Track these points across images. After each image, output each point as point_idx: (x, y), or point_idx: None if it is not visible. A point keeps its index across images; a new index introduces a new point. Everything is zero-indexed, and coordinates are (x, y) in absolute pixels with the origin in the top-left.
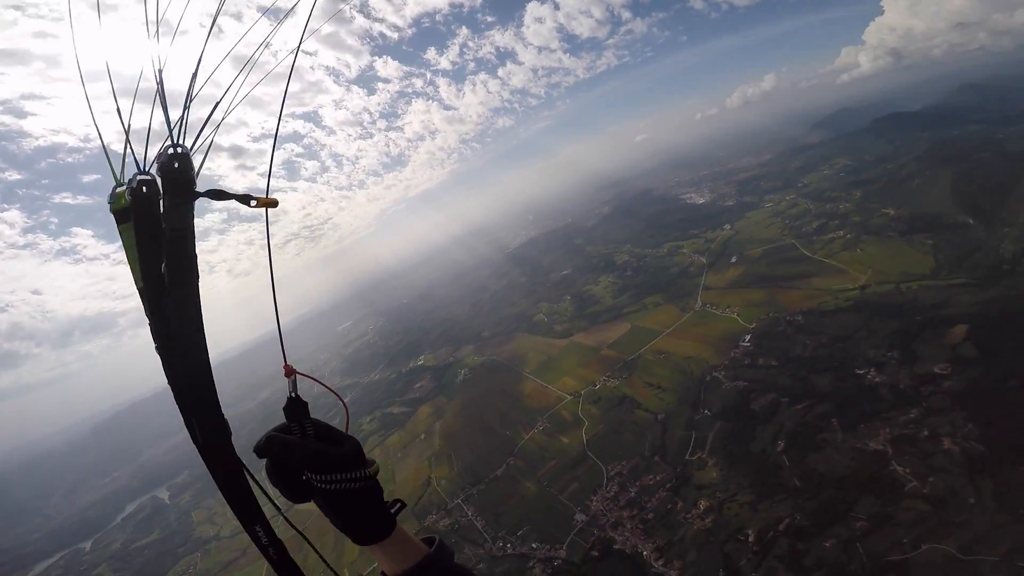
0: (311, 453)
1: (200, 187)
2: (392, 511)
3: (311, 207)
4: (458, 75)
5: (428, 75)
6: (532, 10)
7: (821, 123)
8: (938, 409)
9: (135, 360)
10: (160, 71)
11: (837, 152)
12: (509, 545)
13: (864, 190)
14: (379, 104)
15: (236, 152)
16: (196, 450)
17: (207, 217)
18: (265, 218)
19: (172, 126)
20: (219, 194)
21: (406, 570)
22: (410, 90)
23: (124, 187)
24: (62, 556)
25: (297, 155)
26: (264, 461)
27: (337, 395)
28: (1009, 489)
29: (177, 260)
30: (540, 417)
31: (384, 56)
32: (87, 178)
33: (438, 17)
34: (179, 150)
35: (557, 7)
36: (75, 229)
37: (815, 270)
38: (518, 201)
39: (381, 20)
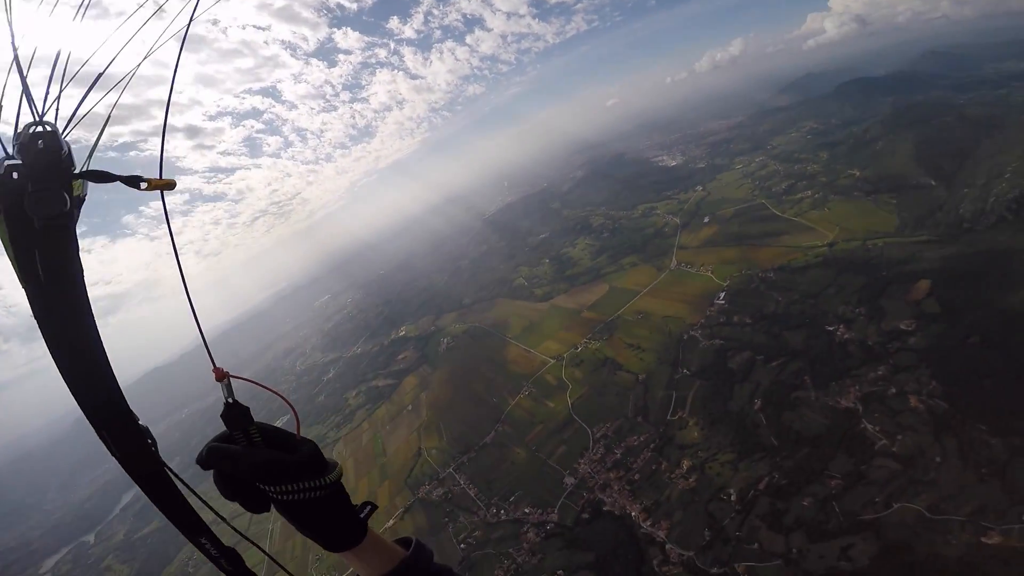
0: (259, 463)
1: (107, 173)
2: (362, 516)
3: (277, 183)
4: (424, 43)
5: (392, 45)
6: None
7: (788, 87)
8: (904, 366)
9: (111, 350)
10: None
11: (804, 116)
12: (503, 512)
13: (831, 152)
14: (341, 76)
15: (192, 132)
16: (185, 436)
17: (167, 198)
18: (162, 200)
19: (31, 99)
20: (101, 176)
21: (383, 575)
22: (373, 61)
23: None
24: (68, 551)
25: (258, 131)
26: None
27: (280, 396)
28: (972, 448)
29: (53, 252)
30: (525, 382)
31: (343, 27)
32: None
33: None
34: (45, 127)
35: None
36: None
37: (785, 228)
38: (493, 167)
39: None
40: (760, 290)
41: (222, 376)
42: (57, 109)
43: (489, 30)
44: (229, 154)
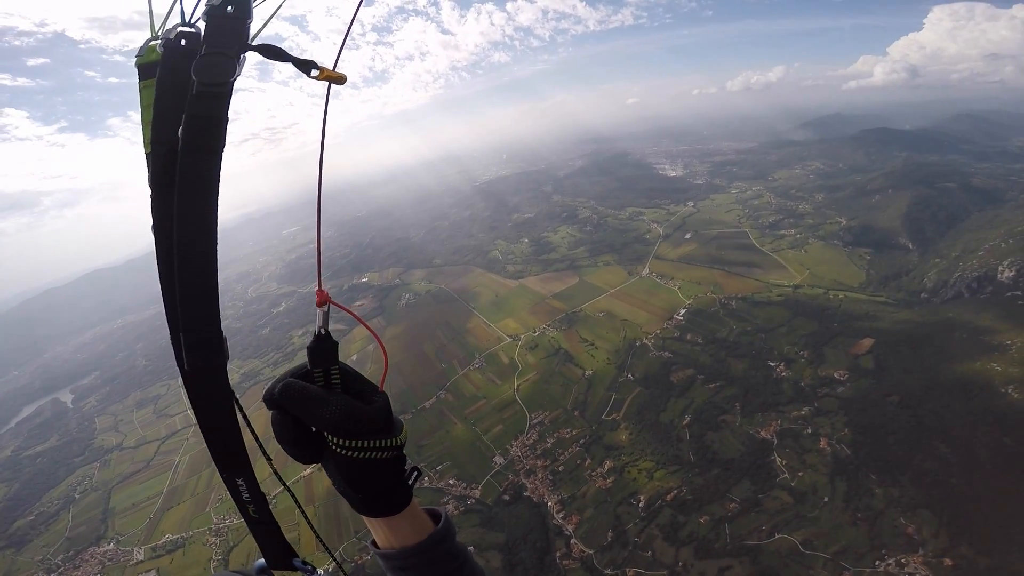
0: (339, 414)
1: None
2: (410, 482)
3: (277, 110)
4: (466, 0)
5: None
6: None
7: (811, 123)
8: (826, 411)
9: (56, 243)
10: None
11: (815, 154)
12: (427, 479)
13: (827, 195)
14: (374, 16)
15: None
16: (110, 349)
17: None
18: (326, 95)
19: None
20: (275, 52)
21: (407, 547)
22: (411, 7)
23: (158, 40)
24: None
25: None
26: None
27: (377, 338)
28: (857, 493)
29: (202, 121)
30: (478, 355)
31: None
32: (32, 62)
33: None
34: None
35: None
36: (7, 110)
37: (760, 261)
38: (497, 138)
39: None
40: (719, 315)
41: (323, 301)
42: None
43: (533, 2)
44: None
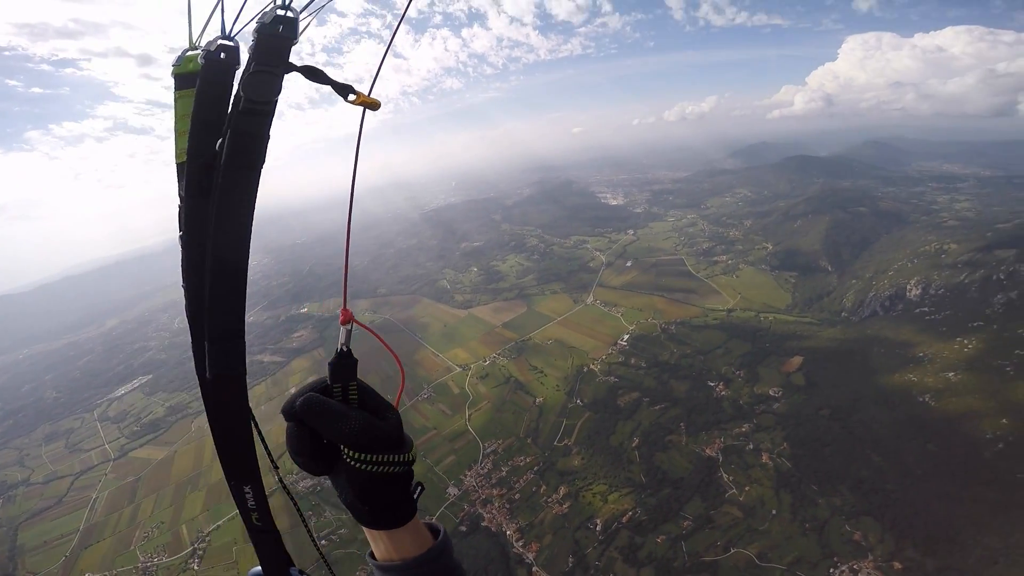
0: (358, 429)
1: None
2: (415, 496)
3: None
4: (420, 25)
5: (389, 18)
6: None
7: (740, 152)
8: (765, 426)
9: None
10: None
11: (743, 182)
12: None
13: (755, 221)
14: (325, 37)
15: (145, 60)
16: (14, 381)
17: (85, 123)
18: (361, 118)
19: None
20: (315, 74)
21: (408, 559)
22: (364, 29)
23: (198, 51)
24: None
25: None
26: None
27: (395, 357)
28: (802, 504)
29: (247, 137)
30: (427, 385)
31: None
32: None
33: None
34: (288, 12)
35: None
36: None
37: (696, 287)
38: (447, 165)
39: None
40: (660, 339)
41: (347, 319)
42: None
43: (488, 29)
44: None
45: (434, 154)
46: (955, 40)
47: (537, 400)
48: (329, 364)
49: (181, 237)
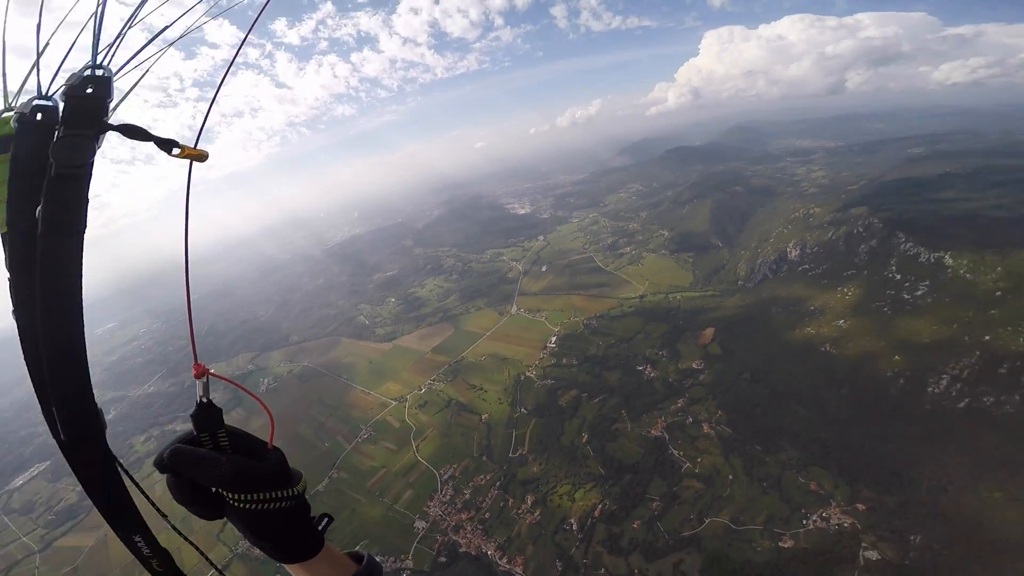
0: (230, 471)
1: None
2: (320, 527)
3: None
4: (304, 52)
5: (269, 47)
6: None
7: (627, 149)
8: (697, 399)
9: None
10: None
11: (633, 177)
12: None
13: (649, 212)
14: (197, 71)
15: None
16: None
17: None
18: (188, 171)
19: (98, 41)
20: (136, 132)
21: None
22: (240, 60)
23: (12, 112)
24: None
25: None
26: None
27: (260, 402)
28: (753, 465)
29: (63, 203)
30: (364, 425)
31: (221, 18)
32: None
33: None
34: (99, 72)
35: (438, 1)
36: None
37: (608, 280)
38: (347, 195)
39: None
40: (585, 335)
41: (201, 373)
42: (111, 57)
43: (380, 52)
44: None
45: (331, 185)
46: (791, 28)
47: (483, 417)
48: (191, 415)
49: (12, 312)
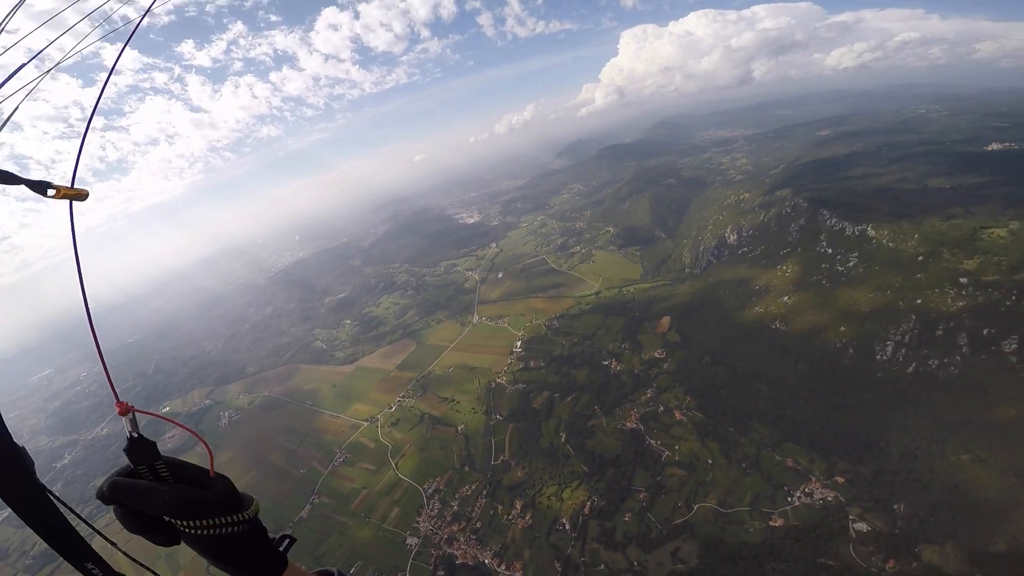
0: (170, 499)
1: None
2: (281, 548)
3: None
4: (218, 75)
5: (177, 71)
6: (328, 16)
7: (564, 151)
8: (665, 387)
9: None
10: None
11: (574, 178)
12: None
13: (593, 210)
14: (100, 98)
15: None
16: None
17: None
18: (70, 211)
19: None
20: (4, 176)
21: None
22: (147, 85)
23: None
24: None
25: None
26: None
27: (193, 432)
28: (729, 447)
29: None
30: (337, 449)
31: (120, 43)
32: None
33: (209, 8)
34: None
35: (357, 16)
36: None
37: (563, 280)
38: (283, 218)
39: (130, 1)
40: (548, 336)
41: (126, 411)
42: None
43: (301, 70)
44: None
45: (265, 209)
46: (697, 24)
47: (459, 428)
48: (124, 451)
49: None
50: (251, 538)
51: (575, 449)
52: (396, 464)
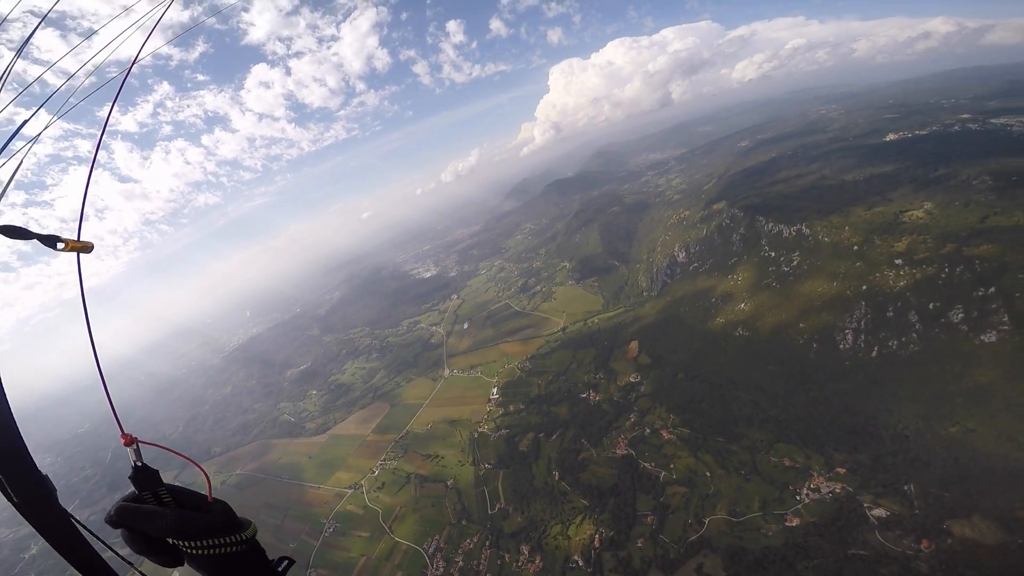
0: (173, 521)
1: None
2: (279, 569)
3: None
4: (146, 140)
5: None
6: (259, 73)
7: (512, 192)
8: (646, 409)
9: None
10: None
11: (525, 217)
12: None
13: (547, 247)
14: (20, 170)
15: None
16: None
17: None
18: (77, 263)
19: None
20: (17, 232)
21: None
22: (69, 155)
23: None
24: None
25: None
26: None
27: (192, 462)
28: (724, 457)
29: None
30: (325, 519)
31: (33, 108)
32: None
33: (133, 68)
34: None
35: (289, 72)
36: None
37: (528, 322)
38: (233, 292)
39: (44, 63)
40: (523, 378)
41: (131, 442)
42: None
43: (234, 131)
44: None
45: (212, 284)
46: (615, 52)
47: (449, 482)
48: (130, 478)
49: None
50: (250, 558)
51: (571, 485)
52: (390, 527)
